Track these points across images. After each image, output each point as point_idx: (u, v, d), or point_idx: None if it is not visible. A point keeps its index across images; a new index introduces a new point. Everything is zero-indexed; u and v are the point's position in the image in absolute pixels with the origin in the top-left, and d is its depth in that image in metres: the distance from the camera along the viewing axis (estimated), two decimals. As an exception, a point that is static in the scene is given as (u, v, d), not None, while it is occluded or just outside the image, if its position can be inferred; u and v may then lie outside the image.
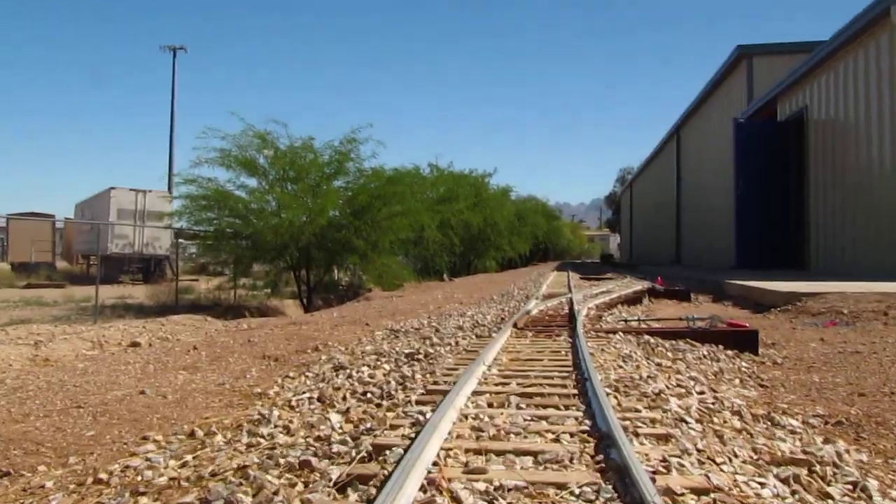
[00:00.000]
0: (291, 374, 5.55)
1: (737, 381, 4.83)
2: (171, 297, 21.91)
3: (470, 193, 35.99)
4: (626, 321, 6.65)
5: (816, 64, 18.45)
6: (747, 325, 6.25)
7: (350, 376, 4.66)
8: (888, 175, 15.22)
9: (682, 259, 32.94)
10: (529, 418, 2.82)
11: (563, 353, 4.76)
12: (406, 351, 5.51)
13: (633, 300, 10.79)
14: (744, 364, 5.49)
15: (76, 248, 39.65)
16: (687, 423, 2.91)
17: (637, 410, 2.95)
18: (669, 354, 5.37)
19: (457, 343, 5.62)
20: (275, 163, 20.07)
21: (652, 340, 5.68)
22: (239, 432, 3.47)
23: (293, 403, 3.91)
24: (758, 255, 20.45)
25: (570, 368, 4.05)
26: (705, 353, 5.58)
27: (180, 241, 29.02)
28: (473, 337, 5.97)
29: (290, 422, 3.36)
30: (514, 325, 6.22)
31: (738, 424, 3.10)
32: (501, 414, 2.87)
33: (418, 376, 4.13)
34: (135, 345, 8.75)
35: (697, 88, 29.91)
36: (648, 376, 3.87)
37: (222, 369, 6.29)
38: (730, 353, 5.72)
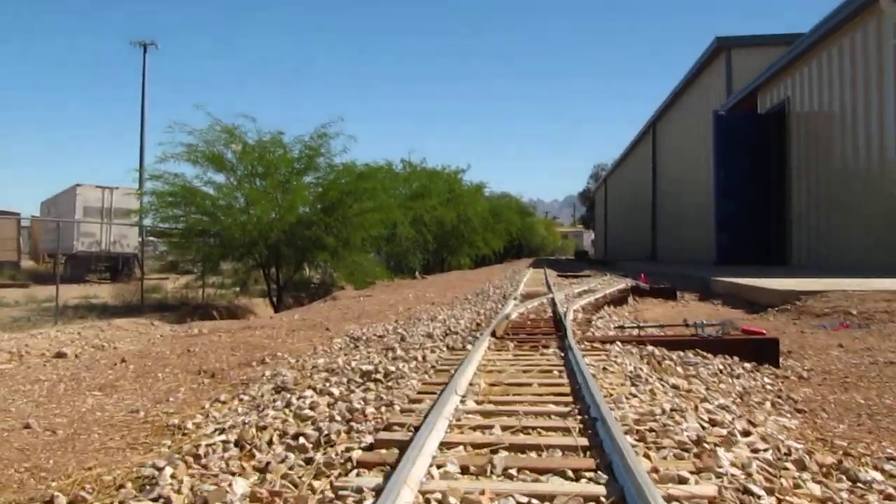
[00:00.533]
0: (223, 398, 4.52)
1: (767, 404, 3.90)
2: (138, 297, 20.86)
3: (443, 190, 35.19)
4: (623, 328, 5.69)
5: (799, 54, 17.74)
6: (764, 331, 5.33)
7: (289, 404, 3.65)
8: (874, 168, 14.53)
9: (658, 255, 32.29)
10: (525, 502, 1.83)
11: (555, 372, 3.79)
12: (363, 367, 4.49)
13: (619, 300, 9.89)
14: (766, 380, 4.56)
15: (42, 247, 38.08)
16: (757, 497, 1.94)
17: (683, 480, 1.97)
18: (680, 370, 4.43)
19: (424, 358, 4.61)
20: (243, 158, 19.20)
21: (657, 352, 4.74)
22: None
23: (203, 451, 2.88)
24: (738, 251, 19.74)
25: (570, 398, 3.08)
26: (720, 366, 4.65)
27: (151, 238, 27.98)
28: (444, 349, 4.97)
29: (180, 489, 2.34)
30: (493, 334, 5.23)
31: (817, 491, 2.15)
32: (482, 493, 1.88)
33: (370, 410, 3.12)
34: (60, 356, 7.61)
35: (673, 83, 29.27)
36: (673, 409, 2.91)
37: (145, 389, 5.23)
38: (747, 365, 4.80)
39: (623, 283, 12.83)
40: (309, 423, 3.17)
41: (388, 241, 27.21)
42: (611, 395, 3.11)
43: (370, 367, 4.40)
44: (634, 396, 3.11)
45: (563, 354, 4.35)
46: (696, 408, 3.10)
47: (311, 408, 3.44)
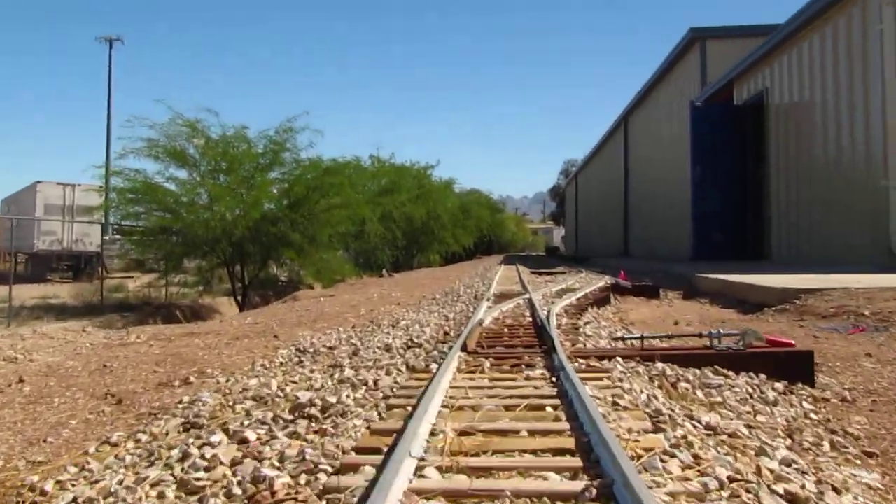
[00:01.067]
0: (116, 437, 3.44)
1: (825, 444, 2.94)
2: (98, 297, 20.20)
3: (412, 185, 34.33)
4: (622, 339, 4.70)
5: (778, 42, 17.01)
6: (793, 342, 4.39)
7: (185, 457, 2.60)
8: (859, 161, 13.82)
9: (631, 251, 31.61)
10: None
11: (548, 409, 2.77)
12: (299, 395, 3.45)
13: (602, 300, 8.94)
14: (807, 405, 3.61)
15: (2, 245, 36.51)
16: None
17: None
18: (701, 396, 3.45)
19: (376, 383, 3.57)
20: (206, 153, 18.56)
21: (669, 371, 3.76)
22: None
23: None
24: (715, 246, 19.01)
25: (578, 461, 2.07)
26: (747, 388, 3.69)
27: (117, 236, 27.11)
28: (403, 369, 3.93)
29: None
30: (464, 348, 4.22)
31: None
32: None
33: (282, 483, 2.08)
34: (-46, 372, 6.42)
35: (646, 76, 28.55)
36: (731, 478, 1.93)
37: (29, 421, 4.13)
38: (778, 386, 3.85)
39: (602, 281, 11.93)
40: (195, 497, 2.13)
41: (356, 237, 26.44)
42: (636, 453, 2.11)
43: (307, 397, 3.35)
44: (671, 456, 2.10)
45: (553, 378, 3.35)
46: (759, 470, 2.11)
47: (208, 469, 2.40)
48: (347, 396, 3.28)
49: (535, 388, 3.19)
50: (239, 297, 19.70)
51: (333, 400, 3.20)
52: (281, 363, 5.08)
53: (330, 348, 5.41)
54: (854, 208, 13.82)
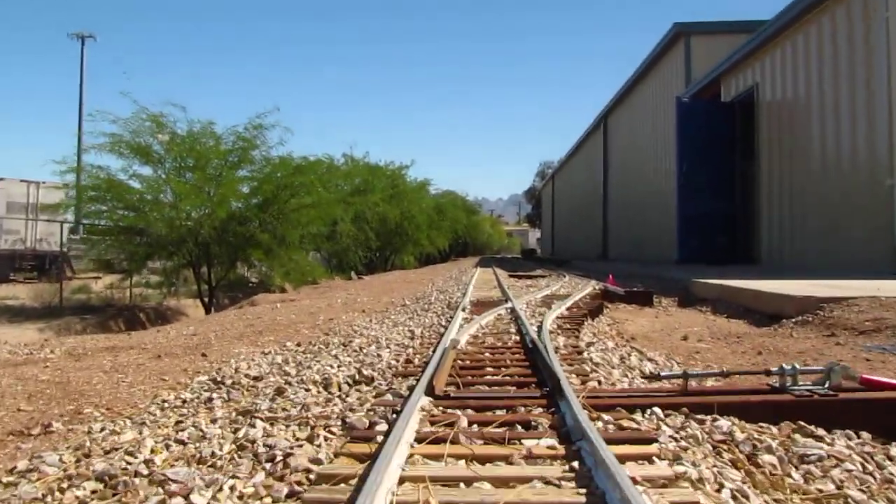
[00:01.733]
0: None
1: None
2: (59, 298, 19.33)
3: (386, 185, 33.06)
4: (657, 377, 3.34)
5: (771, 35, 15.95)
6: (897, 383, 3.10)
7: None
8: (861, 160, 12.76)
9: (610, 254, 30.52)
10: None
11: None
12: (167, 476, 2.11)
13: (595, 310, 7.66)
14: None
15: (-38, 245, 34.65)
16: None
17: None
18: (798, 478, 2.17)
19: (286, 459, 2.22)
20: (171, 149, 17.71)
21: (738, 434, 2.45)
22: None
23: None
24: (702, 249, 17.92)
25: None
26: (857, 459, 2.41)
27: (86, 236, 25.72)
28: (337, 427, 2.59)
29: None
30: (430, 390, 2.88)
31: None
32: None
33: None
34: None
35: (625, 75, 27.49)
36: None
37: None
38: (894, 451, 2.58)
39: (589, 286, 10.67)
40: None
41: (328, 238, 25.28)
42: None
43: (184, 473, 2.00)
44: None
45: (571, 451, 2.04)
46: None
47: None
48: (233, 490, 1.94)
49: (545, 480, 1.86)
50: (205, 299, 18.71)
51: (203, 502, 1.84)
52: (185, 401, 3.71)
53: (255, 378, 4.03)
54: (855, 209, 12.76)
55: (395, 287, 14.13)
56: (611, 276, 11.37)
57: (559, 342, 4.49)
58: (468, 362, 3.79)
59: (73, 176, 17.63)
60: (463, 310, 6.81)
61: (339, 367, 3.98)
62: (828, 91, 13.82)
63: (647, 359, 4.31)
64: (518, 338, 4.71)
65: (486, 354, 4.06)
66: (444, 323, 6.00)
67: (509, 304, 6.97)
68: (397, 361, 4.04)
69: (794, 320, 7.02)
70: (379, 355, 4.29)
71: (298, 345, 5.64)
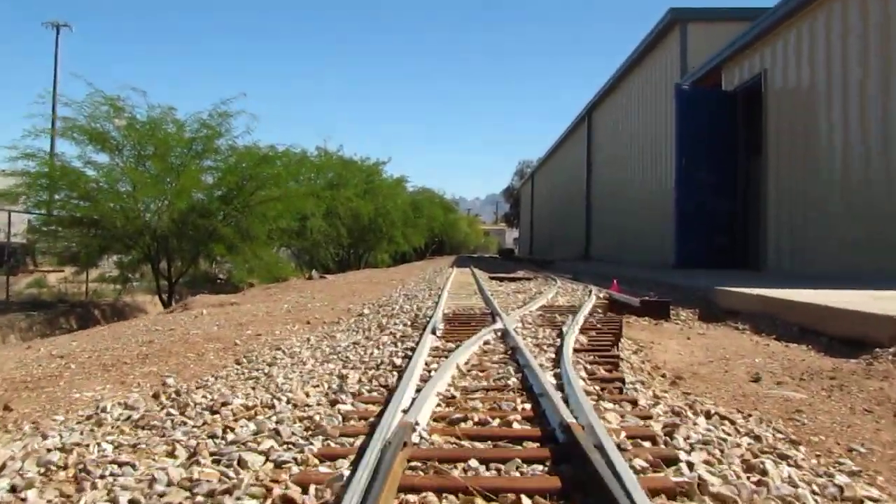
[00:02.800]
0: None
1: None
2: (6, 292, 17.50)
3: (361, 180, 30.97)
4: None
5: (784, 16, 13.96)
6: None
7: None
8: (893, 152, 10.83)
9: (593, 254, 28.52)
10: None
11: None
12: None
13: (614, 329, 5.50)
14: None
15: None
16: None
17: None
18: None
19: None
20: (129, 135, 16.31)
21: None
22: None
23: None
24: (702, 252, 15.97)
25: None
26: None
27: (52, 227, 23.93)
28: None
29: None
30: None
31: None
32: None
33: None
34: None
35: (609, 71, 25.52)
36: None
37: None
38: None
39: (589, 295, 8.55)
40: None
41: (298, 234, 23.61)
42: None
43: None
44: None
45: None
46: None
47: None
48: None
49: None
50: (164, 297, 17.22)
51: None
52: None
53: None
54: (880, 212, 10.83)
55: (358, 289, 11.92)
56: (615, 282, 9.25)
57: (609, 420, 2.32)
58: (429, 492, 1.60)
59: (31, 163, 15.96)
60: (433, 332, 4.63)
61: (201, 457, 1.78)
62: (853, 77, 11.87)
63: (778, 456, 2.15)
64: (529, 405, 2.53)
65: (473, 465, 1.86)
66: (400, 356, 3.84)
67: (499, 324, 4.82)
68: (308, 430, 1.84)
69: (892, 350, 4.95)
70: (284, 420, 2.08)
71: (178, 387, 3.42)
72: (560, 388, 2.64)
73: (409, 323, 5.58)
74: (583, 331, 4.89)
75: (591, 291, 8.93)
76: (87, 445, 2.26)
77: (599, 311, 6.67)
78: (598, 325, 5.30)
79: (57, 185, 15.98)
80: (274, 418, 2.36)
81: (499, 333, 4.53)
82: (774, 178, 14.69)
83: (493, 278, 13.26)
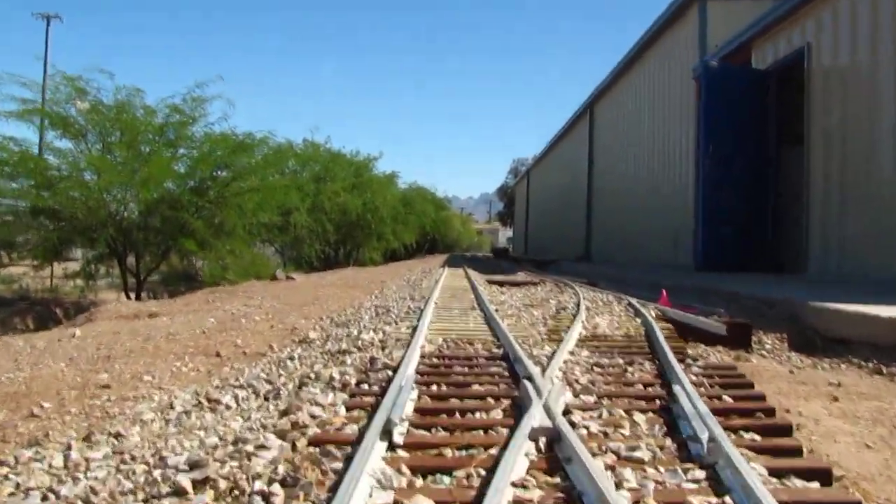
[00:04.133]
0: None
1: None
2: None
3: (349, 173, 28.55)
4: None
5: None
6: None
7: None
8: None
9: (594, 255, 25.90)
10: None
11: None
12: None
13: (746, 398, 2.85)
14: None
15: None
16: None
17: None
18: None
19: None
20: (92, 119, 14.62)
21: None
22: None
23: None
24: (730, 253, 13.37)
25: None
26: None
27: None
28: None
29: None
30: None
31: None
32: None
33: None
34: None
35: (607, 67, 22.90)
36: None
37: None
38: None
39: (634, 310, 5.93)
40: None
41: (281, 230, 21.49)
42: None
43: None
44: None
45: None
46: None
47: None
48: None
49: None
50: (132, 295, 15.23)
51: None
52: None
53: None
54: None
55: (325, 295, 9.26)
56: (664, 293, 6.60)
57: None
58: None
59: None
60: (388, 437, 1.97)
61: None
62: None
63: None
64: None
65: None
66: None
67: (533, 408, 2.17)
68: None
69: None
70: None
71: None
72: None
73: (352, 380, 2.90)
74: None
75: (630, 304, 6.29)
76: None
77: (670, 343, 4.03)
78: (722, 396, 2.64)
79: (14, 172, 14.25)
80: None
81: (542, 442, 1.91)
82: (821, 170, 12.08)
83: (492, 282, 10.63)
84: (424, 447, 2.03)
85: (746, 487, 1.64)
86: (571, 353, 3.65)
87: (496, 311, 5.67)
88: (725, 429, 2.18)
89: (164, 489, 1.69)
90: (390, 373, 2.94)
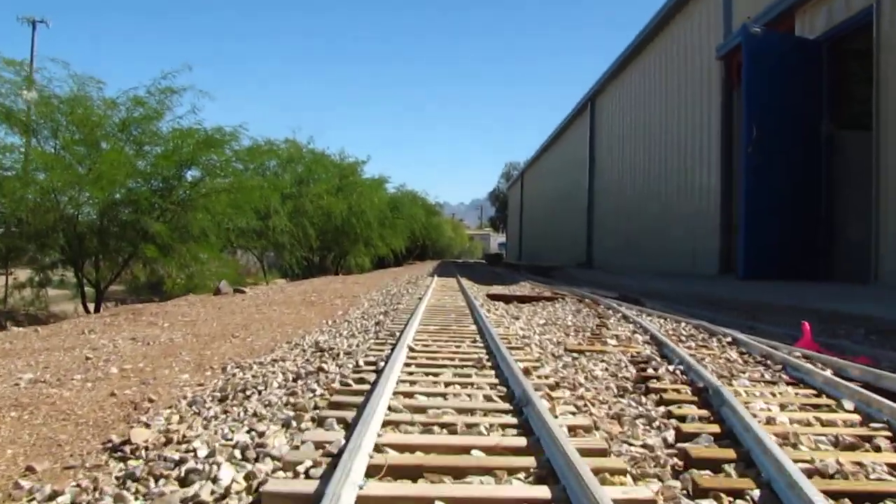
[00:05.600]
0: None
1: None
2: None
3: (334, 175, 25.90)
4: None
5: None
6: None
7: None
8: None
9: (595, 262, 23.19)
10: None
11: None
12: None
13: None
14: None
15: None
16: None
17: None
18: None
19: None
20: (41, 111, 12.89)
21: None
22: None
23: None
24: (777, 259, 10.77)
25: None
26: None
27: None
28: None
29: None
30: None
31: None
32: None
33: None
34: None
35: (607, 61, 20.27)
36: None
37: None
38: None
39: (750, 358, 3.24)
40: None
41: (259, 235, 19.32)
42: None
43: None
44: None
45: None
46: None
47: None
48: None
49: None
50: (90, 306, 13.52)
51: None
52: None
53: None
54: None
55: (262, 319, 6.50)
56: (806, 327, 3.92)
57: None
58: None
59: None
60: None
61: None
62: None
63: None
64: None
65: None
66: None
67: None
68: None
69: None
70: None
71: None
72: None
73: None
74: None
75: (734, 344, 3.54)
76: None
77: None
78: None
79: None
80: None
81: None
82: (894, 157, 9.47)
83: (493, 297, 7.89)
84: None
85: None
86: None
87: (515, 361, 2.93)
88: None
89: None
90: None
